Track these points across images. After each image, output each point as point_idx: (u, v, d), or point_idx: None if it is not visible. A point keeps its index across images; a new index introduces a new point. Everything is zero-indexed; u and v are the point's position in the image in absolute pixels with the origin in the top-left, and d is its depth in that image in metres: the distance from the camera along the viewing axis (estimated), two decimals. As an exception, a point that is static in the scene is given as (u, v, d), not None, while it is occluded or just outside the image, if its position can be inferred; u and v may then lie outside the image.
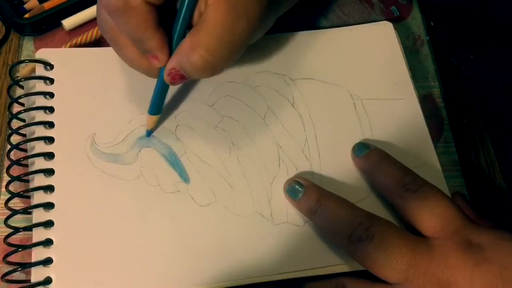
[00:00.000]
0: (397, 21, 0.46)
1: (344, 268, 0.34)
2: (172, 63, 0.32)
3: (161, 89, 0.35)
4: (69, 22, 0.42)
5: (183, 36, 0.32)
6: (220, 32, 0.30)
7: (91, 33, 0.42)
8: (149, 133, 0.37)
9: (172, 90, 0.38)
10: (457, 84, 0.44)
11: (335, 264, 0.34)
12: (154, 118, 0.36)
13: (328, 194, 0.34)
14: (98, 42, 0.42)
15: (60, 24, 0.43)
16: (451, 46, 0.45)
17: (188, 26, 0.32)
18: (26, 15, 0.42)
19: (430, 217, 0.31)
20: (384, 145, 0.37)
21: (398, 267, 0.30)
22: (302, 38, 0.42)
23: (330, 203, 0.33)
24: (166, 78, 0.33)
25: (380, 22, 0.43)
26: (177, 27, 0.32)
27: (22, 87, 0.38)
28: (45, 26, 0.42)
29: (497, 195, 0.40)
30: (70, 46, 0.41)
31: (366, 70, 0.41)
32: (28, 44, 0.42)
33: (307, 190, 0.34)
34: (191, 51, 0.30)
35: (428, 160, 0.37)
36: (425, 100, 0.42)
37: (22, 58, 0.41)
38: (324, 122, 0.38)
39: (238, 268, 0.33)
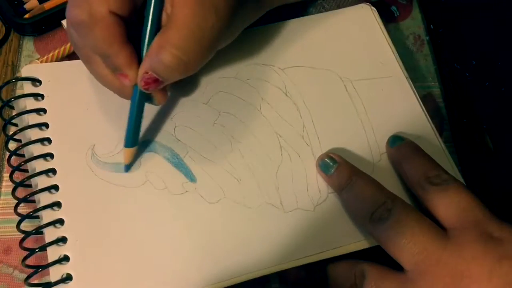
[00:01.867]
0: (397, 21, 0.46)
1: (357, 246, 0.34)
2: (144, 67, 0.31)
3: (136, 115, 0.34)
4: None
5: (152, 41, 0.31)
6: (190, 27, 0.30)
7: (66, 48, 0.42)
8: (128, 167, 0.35)
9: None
10: (457, 84, 0.44)
11: (349, 243, 0.34)
12: (131, 150, 0.35)
13: (359, 172, 0.34)
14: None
15: (60, 24, 0.42)
16: (453, 51, 0.45)
17: (157, 31, 0.31)
18: (26, 15, 0.42)
19: (448, 207, 0.31)
20: (379, 122, 0.38)
21: (409, 250, 0.30)
22: (286, 27, 0.42)
23: (359, 181, 0.34)
24: (140, 84, 0.32)
25: (359, 4, 0.43)
26: (146, 33, 0.31)
27: (13, 107, 0.38)
28: (45, 26, 0.42)
29: (497, 195, 0.40)
30: (53, 56, 0.41)
31: (352, 52, 0.41)
32: (28, 44, 0.42)
33: (340, 166, 0.35)
34: (161, 50, 0.30)
35: (423, 132, 0.38)
36: (425, 100, 0.43)
37: (22, 58, 0.41)
38: (319, 107, 0.39)
39: (255, 260, 0.33)
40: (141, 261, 0.33)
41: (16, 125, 0.37)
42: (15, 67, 0.39)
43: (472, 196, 0.31)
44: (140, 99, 0.34)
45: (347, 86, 0.40)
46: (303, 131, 0.38)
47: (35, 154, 0.35)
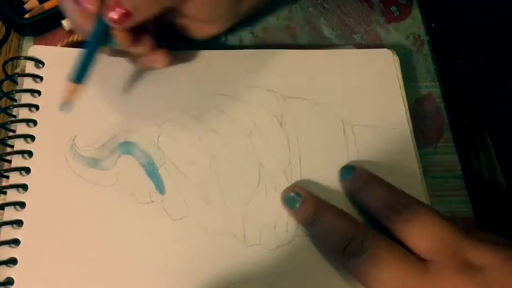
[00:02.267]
0: (397, 21, 0.46)
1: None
2: None
3: (89, 52, 0.32)
4: (69, 22, 0.42)
5: None
6: None
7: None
8: (64, 106, 0.32)
9: (159, 97, 0.38)
10: (457, 84, 0.43)
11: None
12: (76, 87, 0.32)
13: (325, 206, 0.33)
14: None
15: (60, 24, 0.42)
16: (456, 46, 0.45)
17: None
18: (26, 15, 0.42)
19: (419, 239, 0.30)
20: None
21: (387, 284, 0.29)
22: (300, 56, 0.41)
23: (326, 215, 0.32)
24: (109, 16, 0.30)
25: (381, 49, 0.41)
26: None
27: (16, 83, 0.38)
28: (45, 26, 0.42)
29: (498, 195, 0.39)
30: (67, 43, 0.41)
31: (361, 95, 0.39)
32: (28, 44, 0.42)
33: (305, 201, 0.34)
34: None
35: (414, 191, 0.35)
36: (425, 100, 0.42)
37: (22, 54, 0.41)
38: (311, 145, 0.37)
39: (206, 286, 0.32)
40: (91, 263, 0.32)
41: (13, 115, 0.37)
42: (15, 67, 0.40)
43: (441, 221, 0.30)
44: (100, 35, 0.32)
45: (345, 129, 0.38)
46: (287, 166, 0.36)
47: (18, 133, 0.36)
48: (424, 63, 0.44)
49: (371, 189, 0.34)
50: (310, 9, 0.46)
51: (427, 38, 0.45)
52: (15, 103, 0.37)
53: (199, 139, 0.37)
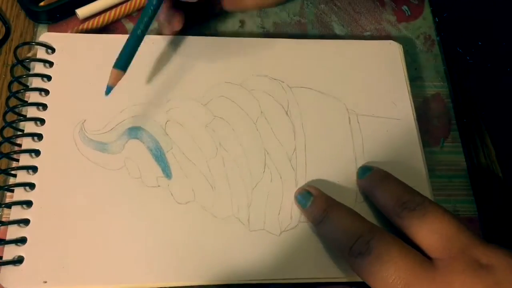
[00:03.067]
0: (408, 20, 0.46)
1: (320, 280, 0.33)
2: None
3: (140, 30, 0.34)
4: (83, 11, 0.43)
5: None
6: None
7: (101, 19, 0.42)
8: (109, 90, 0.34)
9: (167, 84, 0.38)
10: (465, 84, 0.43)
11: (310, 277, 0.33)
12: (119, 73, 0.34)
13: (335, 204, 0.33)
14: (106, 29, 0.43)
15: (74, 13, 0.43)
16: (456, 36, 0.45)
17: None
18: (41, 3, 0.43)
19: (429, 235, 0.30)
20: (375, 163, 0.37)
21: (395, 284, 0.28)
22: (307, 45, 0.41)
23: (335, 214, 0.33)
24: None
25: (388, 40, 0.42)
26: None
27: (28, 68, 0.39)
28: (60, 15, 0.43)
29: (503, 194, 0.40)
30: (77, 31, 0.42)
31: (366, 86, 0.40)
32: (42, 32, 0.42)
33: (315, 199, 0.34)
34: None
35: (418, 183, 0.36)
36: (433, 100, 0.42)
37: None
38: (316, 134, 0.38)
39: (210, 268, 0.33)
40: (98, 246, 0.33)
41: (23, 100, 0.38)
42: (20, 47, 0.40)
43: (452, 220, 0.30)
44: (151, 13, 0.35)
45: (351, 119, 0.39)
46: (292, 154, 0.37)
47: (28, 117, 0.36)
48: (434, 63, 0.44)
49: (386, 187, 0.34)
50: (322, 6, 0.46)
51: (437, 38, 0.45)
52: (25, 88, 0.37)
53: (206, 125, 0.37)
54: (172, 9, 0.38)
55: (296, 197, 0.35)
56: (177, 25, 0.39)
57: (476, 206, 0.38)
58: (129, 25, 0.43)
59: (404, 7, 0.47)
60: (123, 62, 0.34)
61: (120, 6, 0.43)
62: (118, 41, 0.36)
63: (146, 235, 0.33)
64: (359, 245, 0.30)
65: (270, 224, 0.35)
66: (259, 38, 0.42)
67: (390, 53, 0.42)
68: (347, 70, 0.41)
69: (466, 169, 0.40)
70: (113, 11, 0.43)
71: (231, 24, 0.44)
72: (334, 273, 0.33)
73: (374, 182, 0.35)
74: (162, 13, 0.38)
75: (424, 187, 0.36)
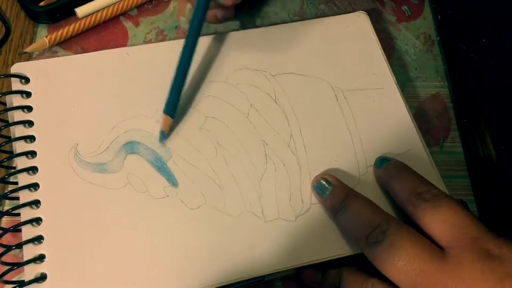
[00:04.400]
0: (409, 20, 0.47)
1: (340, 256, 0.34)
2: None
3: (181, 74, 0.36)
4: (82, 10, 0.43)
5: None
6: None
7: (98, 16, 0.43)
8: (163, 136, 0.36)
9: (152, 92, 0.38)
10: (465, 84, 0.44)
11: (331, 255, 0.34)
12: (169, 120, 0.36)
13: (353, 194, 0.34)
14: (105, 27, 0.44)
15: (74, 13, 0.43)
16: (460, 32, 0.46)
17: None
18: (41, 3, 0.42)
19: (441, 225, 0.30)
20: (368, 134, 0.38)
21: (405, 271, 0.29)
22: (279, 31, 0.42)
23: (353, 203, 0.33)
24: None
25: (355, 12, 0.43)
26: None
27: (4, 103, 0.37)
28: (59, 14, 0.43)
29: (503, 194, 0.40)
30: (74, 30, 0.42)
31: (345, 61, 0.41)
32: (42, 32, 0.42)
33: (334, 189, 0.34)
34: None
35: (412, 146, 0.37)
36: (433, 100, 0.43)
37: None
38: (308, 116, 0.38)
39: (234, 267, 0.33)
40: (118, 265, 0.33)
41: (6, 137, 0.36)
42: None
43: (465, 212, 0.30)
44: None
45: (338, 96, 0.39)
46: (290, 140, 0.37)
47: (17, 151, 0.35)
48: (434, 63, 0.45)
49: (403, 177, 0.34)
50: (322, 6, 0.46)
51: (438, 38, 0.46)
52: (6, 123, 0.36)
53: (200, 127, 0.37)
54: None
55: (313, 186, 0.35)
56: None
57: (476, 206, 0.39)
58: (128, 24, 0.44)
59: (404, 7, 0.47)
60: (170, 109, 0.36)
61: (118, 3, 0.43)
62: (93, 59, 0.36)
63: (166, 247, 0.33)
64: (375, 234, 0.31)
65: (284, 212, 0.35)
66: (233, 31, 0.42)
67: (360, 25, 0.43)
68: (323, 48, 0.41)
69: (466, 169, 0.41)
70: (110, 8, 0.42)
71: (231, 24, 0.45)
72: (350, 249, 0.34)
73: (392, 173, 0.35)
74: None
75: (418, 146, 0.37)
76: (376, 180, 0.36)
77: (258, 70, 0.40)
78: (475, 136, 0.42)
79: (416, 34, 0.46)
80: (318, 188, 0.35)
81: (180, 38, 0.42)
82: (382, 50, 0.42)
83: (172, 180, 0.35)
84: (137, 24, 0.44)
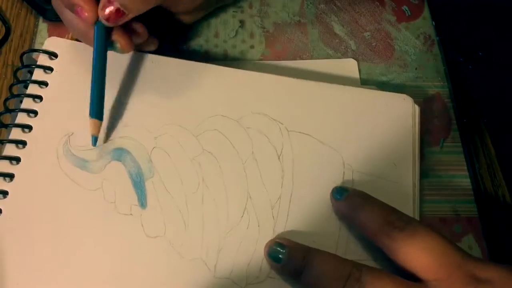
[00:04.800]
0: (409, 20, 0.46)
1: None
2: None
3: (99, 63, 0.34)
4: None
5: None
6: None
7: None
8: (95, 140, 0.35)
9: (161, 109, 0.37)
10: (465, 84, 0.43)
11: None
12: (96, 123, 0.35)
13: (313, 251, 0.31)
14: None
15: None
16: (457, 44, 0.45)
17: None
18: None
19: (423, 254, 0.28)
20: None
21: None
22: (313, 88, 0.39)
23: (315, 260, 0.31)
24: (101, 15, 0.32)
25: (401, 94, 0.39)
26: None
27: (26, 66, 0.38)
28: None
29: (503, 194, 0.39)
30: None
31: (368, 140, 0.38)
32: (42, 32, 0.43)
33: (291, 251, 0.32)
34: None
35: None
36: (433, 100, 0.42)
37: (37, 42, 0.42)
38: (305, 184, 0.36)
39: None
40: (58, 265, 0.32)
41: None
42: (15, 67, 0.40)
43: (442, 238, 0.29)
44: (102, 41, 0.33)
45: (345, 174, 0.36)
46: (276, 202, 0.35)
47: (16, 122, 0.36)
48: (434, 63, 0.44)
49: (369, 208, 0.32)
50: (322, 6, 0.46)
51: (437, 38, 0.45)
52: (19, 94, 0.37)
53: (193, 158, 0.36)
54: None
55: (267, 254, 0.33)
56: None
57: (476, 206, 0.38)
58: None
59: (404, 7, 0.47)
60: (95, 111, 0.35)
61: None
62: (115, 56, 0.36)
63: (109, 263, 0.32)
64: (351, 283, 0.28)
65: (237, 274, 0.33)
66: (266, 74, 0.40)
67: (401, 109, 0.39)
68: (351, 120, 0.38)
69: (466, 169, 0.39)
70: None
71: (231, 24, 0.44)
72: None
73: (355, 204, 0.33)
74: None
75: None
76: (336, 213, 0.34)
77: (275, 120, 0.38)
78: (475, 136, 0.41)
79: (416, 34, 0.45)
80: (272, 254, 0.32)
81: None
82: (418, 143, 0.38)
83: (142, 200, 0.34)
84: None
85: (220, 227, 0.34)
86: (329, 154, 0.37)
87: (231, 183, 0.35)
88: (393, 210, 0.31)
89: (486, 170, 0.40)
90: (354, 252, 0.33)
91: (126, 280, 0.32)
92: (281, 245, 0.32)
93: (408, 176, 0.37)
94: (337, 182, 0.36)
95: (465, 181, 0.39)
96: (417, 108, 0.39)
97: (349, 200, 0.33)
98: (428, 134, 0.40)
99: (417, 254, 0.28)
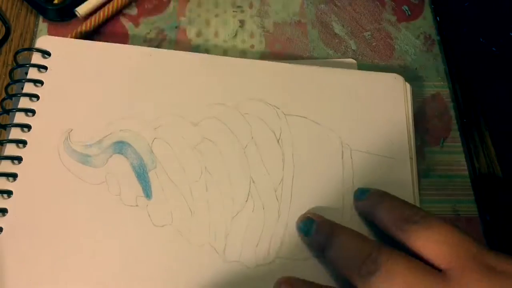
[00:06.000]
0: (409, 20, 0.46)
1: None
2: None
3: None
4: (82, 9, 0.43)
5: None
6: None
7: (97, 17, 0.43)
8: None
9: (159, 100, 0.38)
10: (465, 84, 0.44)
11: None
12: None
13: (340, 228, 0.32)
14: (106, 29, 0.43)
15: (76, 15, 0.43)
16: (457, 44, 0.45)
17: None
18: (56, 1, 0.43)
19: (436, 245, 0.28)
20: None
21: None
22: (307, 71, 0.40)
23: (340, 237, 0.32)
24: None
25: (391, 73, 0.40)
26: None
27: (20, 65, 0.38)
28: (62, 15, 0.43)
29: (503, 193, 0.40)
30: (76, 34, 0.42)
31: (363, 120, 0.38)
32: (42, 32, 0.43)
33: (319, 225, 0.33)
34: None
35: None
36: (433, 100, 0.43)
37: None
38: (306, 165, 0.36)
39: None
40: (68, 260, 0.32)
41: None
42: (20, 53, 0.40)
43: (458, 230, 0.29)
44: None
45: (344, 153, 0.37)
46: (278, 184, 0.36)
47: (14, 122, 0.36)
48: (434, 63, 0.44)
49: (387, 204, 0.33)
50: (322, 5, 0.46)
51: (438, 38, 0.45)
52: (15, 94, 0.37)
53: (194, 147, 0.36)
54: None
55: (298, 226, 0.34)
56: None
57: (476, 206, 0.38)
58: (128, 24, 0.44)
59: (404, 7, 0.47)
60: None
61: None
62: (114, 50, 0.36)
63: (118, 255, 0.33)
64: (368, 264, 0.29)
65: (246, 256, 0.33)
66: (259, 60, 0.40)
67: (393, 88, 0.40)
68: (346, 101, 0.39)
69: (466, 169, 0.40)
70: (109, 6, 0.43)
71: (231, 24, 0.45)
72: None
73: (375, 201, 0.34)
74: None
75: None
76: (358, 212, 0.35)
77: (272, 105, 0.38)
78: (475, 136, 0.41)
79: (416, 34, 0.46)
80: (303, 227, 0.34)
81: (181, 38, 0.43)
82: (411, 119, 0.39)
83: (147, 191, 0.35)
84: (137, 24, 0.44)
85: (226, 212, 0.35)
86: (327, 135, 0.38)
87: (233, 168, 0.36)
88: (409, 206, 0.32)
89: (486, 170, 0.40)
90: (358, 224, 0.34)
91: (137, 270, 0.32)
92: (310, 219, 0.33)
93: (404, 152, 0.37)
94: (336, 161, 0.37)
95: (465, 181, 0.39)
96: (408, 86, 0.40)
97: (369, 198, 0.34)
98: (428, 134, 0.41)
99: (432, 245, 0.29)
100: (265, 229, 0.34)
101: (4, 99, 0.36)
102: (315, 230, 0.33)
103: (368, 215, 0.34)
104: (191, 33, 0.44)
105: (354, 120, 0.38)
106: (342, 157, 0.37)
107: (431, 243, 0.29)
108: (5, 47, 0.41)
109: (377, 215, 0.33)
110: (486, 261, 0.27)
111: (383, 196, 0.34)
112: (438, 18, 0.46)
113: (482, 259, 0.27)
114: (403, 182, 0.36)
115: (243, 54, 0.43)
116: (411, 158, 0.37)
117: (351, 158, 0.37)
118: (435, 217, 0.30)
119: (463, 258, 0.28)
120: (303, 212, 0.35)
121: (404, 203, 0.32)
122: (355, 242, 0.31)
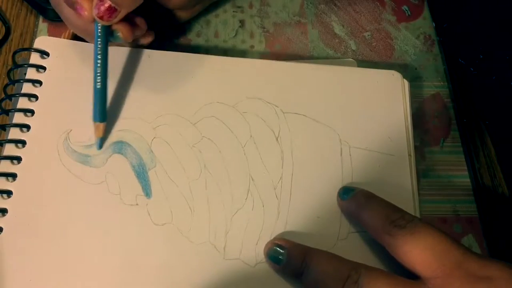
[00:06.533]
0: (408, 20, 0.47)
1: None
2: None
3: (101, 58, 0.34)
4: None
5: None
6: None
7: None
8: (100, 142, 0.36)
9: (157, 99, 0.38)
10: (465, 84, 0.44)
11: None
12: (101, 125, 0.35)
13: (313, 252, 0.32)
14: None
15: None
16: (459, 46, 0.46)
17: None
18: None
19: (423, 252, 0.28)
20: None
21: None
22: (305, 69, 0.40)
23: (315, 261, 0.31)
24: (94, 13, 0.32)
25: (389, 70, 0.40)
26: None
27: (19, 66, 0.38)
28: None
29: (503, 193, 0.40)
30: (69, 35, 0.42)
31: (362, 117, 0.38)
32: (42, 32, 0.43)
33: (290, 251, 0.32)
34: None
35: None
36: (433, 100, 0.43)
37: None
38: (305, 163, 0.37)
39: None
40: (69, 260, 0.32)
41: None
42: (18, 53, 0.40)
43: (444, 235, 0.29)
44: (103, 37, 0.34)
45: (343, 150, 0.37)
46: (278, 182, 0.36)
47: (13, 122, 0.36)
48: (434, 63, 0.44)
49: (373, 206, 0.32)
50: (322, 6, 0.46)
51: (438, 38, 0.46)
52: (15, 94, 0.37)
53: (193, 146, 0.36)
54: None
55: (266, 255, 0.33)
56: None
57: (476, 206, 0.38)
58: None
59: (404, 7, 0.47)
60: (99, 114, 0.35)
61: None
62: (114, 52, 0.36)
63: (119, 254, 0.33)
64: (348, 287, 0.29)
65: (246, 254, 0.33)
66: (257, 59, 0.41)
67: (391, 84, 0.40)
68: (344, 98, 0.39)
69: (466, 169, 0.40)
70: None
71: (231, 24, 0.45)
72: None
73: (360, 203, 0.33)
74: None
75: None
76: (343, 212, 0.35)
77: (270, 103, 0.39)
78: (475, 136, 0.42)
79: (416, 34, 0.46)
80: (272, 256, 0.33)
81: (181, 38, 0.44)
82: (410, 116, 0.39)
83: (147, 190, 0.35)
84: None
85: (226, 210, 0.35)
86: (326, 133, 0.38)
87: (232, 167, 0.36)
88: (396, 209, 0.32)
89: (486, 170, 0.40)
90: (358, 225, 0.34)
91: (137, 268, 0.32)
92: (280, 246, 0.33)
93: (403, 148, 0.38)
94: (336, 158, 0.37)
95: (465, 181, 0.39)
96: (406, 82, 0.40)
97: (354, 199, 0.34)
98: (428, 134, 0.41)
99: (417, 252, 0.29)
100: (265, 226, 0.34)
101: (3, 100, 0.37)
102: (287, 257, 0.32)
103: (353, 216, 0.34)
104: (191, 33, 0.44)
105: (352, 117, 0.39)
106: (341, 154, 0.37)
107: (416, 249, 0.29)
108: (5, 47, 0.41)
109: (362, 217, 0.33)
110: (471, 268, 0.27)
111: (369, 197, 0.33)
112: (434, 22, 0.46)
113: (467, 267, 0.27)
114: (402, 179, 0.37)
115: (243, 54, 0.43)
116: (409, 155, 0.37)
117: (350, 155, 0.37)
118: (421, 221, 0.30)
119: (447, 266, 0.28)
120: (303, 209, 0.35)
121: (390, 205, 0.32)
122: (332, 264, 0.30)
